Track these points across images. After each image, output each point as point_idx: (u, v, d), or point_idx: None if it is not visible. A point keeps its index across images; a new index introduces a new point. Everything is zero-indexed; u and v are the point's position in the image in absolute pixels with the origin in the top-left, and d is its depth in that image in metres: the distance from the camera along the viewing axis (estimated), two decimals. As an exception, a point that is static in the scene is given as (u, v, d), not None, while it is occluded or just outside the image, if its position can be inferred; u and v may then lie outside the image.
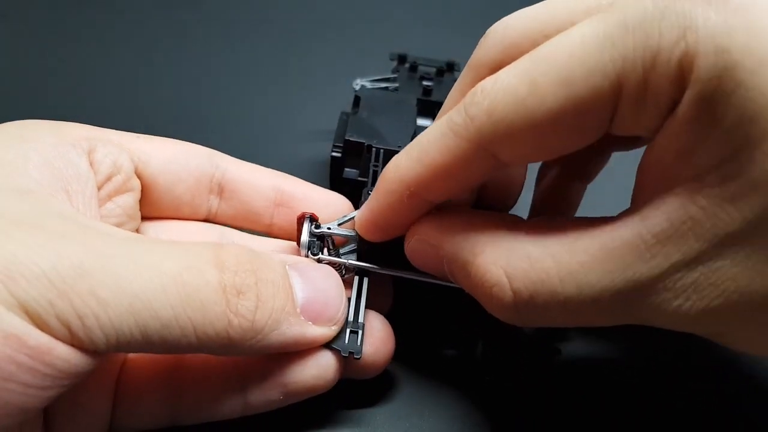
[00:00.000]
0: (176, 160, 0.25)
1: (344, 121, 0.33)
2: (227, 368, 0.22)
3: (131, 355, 0.22)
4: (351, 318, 0.23)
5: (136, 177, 0.24)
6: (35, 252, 0.16)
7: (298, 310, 0.20)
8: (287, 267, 0.21)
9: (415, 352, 0.27)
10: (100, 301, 0.16)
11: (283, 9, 0.60)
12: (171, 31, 0.54)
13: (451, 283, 0.23)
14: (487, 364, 0.25)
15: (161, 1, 0.58)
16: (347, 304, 0.22)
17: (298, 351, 0.21)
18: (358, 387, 0.25)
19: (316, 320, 0.21)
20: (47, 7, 0.54)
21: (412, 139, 0.32)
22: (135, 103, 0.45)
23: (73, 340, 0.16)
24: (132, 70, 0.49)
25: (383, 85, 0.39)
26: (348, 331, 0.22)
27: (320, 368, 0.22)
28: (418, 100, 0.37)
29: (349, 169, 0.31)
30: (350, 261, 0.24)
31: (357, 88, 0.38)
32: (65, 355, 0.16)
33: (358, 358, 0.22)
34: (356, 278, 0.24)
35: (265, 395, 0.22)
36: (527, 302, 0.19)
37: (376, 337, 0.23)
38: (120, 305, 0.16)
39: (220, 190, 0.26)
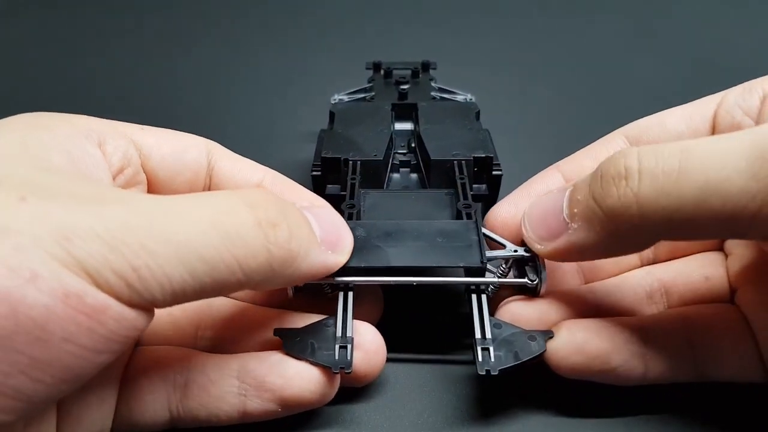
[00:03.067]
0: (175, 153, 0.25)
1: (321, 138, 0.34)
2: (229, 372, 0.23)
3: (137, 352, 0.23)
4: (339, 333, 0.23)
5: (143, 171, 0.24)
6: (82, 214, 0.16)
7: (319, 240, 0.22)
8: (299, 207, 0.23)
9: (408, 354, 0.27)
10: (151, 253, 0.17)
11: (285, 12, 0.61)
12: (170, 34, 0.56)
13: (442, 281, 0.23)
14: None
15: (158, 4, 0.59)
16: (351, 237, 0.24)
17: (295, 368, 0.22)
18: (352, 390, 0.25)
19: (333, 249, 0.23)
20: (51, 6, 0.56)
21: (389, 144, 0.32)
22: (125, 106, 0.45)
23: (131, 294, 0.17)
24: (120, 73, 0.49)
25: (360, 96, 0.39)
26: (337, 346, 0.23)
27: (315, 382, 0.22)
28: (394, 105, 0.37)
29: (331, 186, 0.32)
30: (337, 278, 0.24)
31: (334, 102, 0.39)
32: (120, 314, 0.17)
33: (349, 373, 0.22)
34: (341, 293, 0.24)
35: (263, 405, 0.22)
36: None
37: (367, 349, 0.23)
38: (168, 254, 0.17)
39: (210, 184, 0.27)
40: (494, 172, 0.31)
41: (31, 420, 0.19)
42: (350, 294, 0.24)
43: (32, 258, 0.15)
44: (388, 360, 0.24)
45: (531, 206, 0.24)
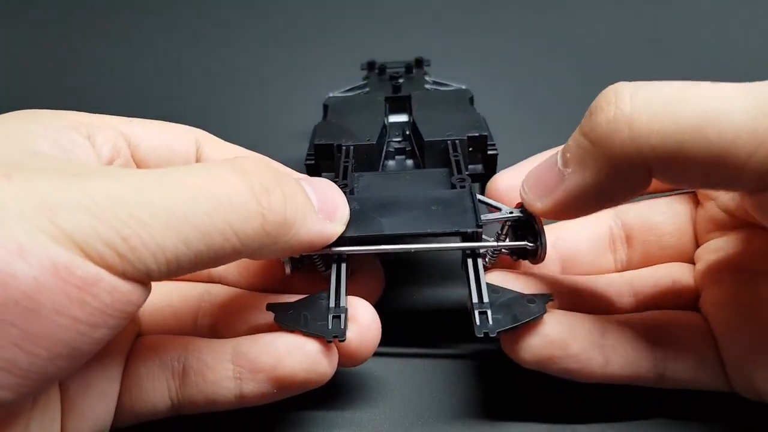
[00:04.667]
0: (164, 142, 0.25)
1: (315, 130, 0.34)
2: (224, 356, 0.22)
3: (137, 342, 0.23)
4: (333, 303, 0.23)
5: (133, 162, 0.24)
6: (68, 187, 0.16)
7: (316, 208, 0.22)
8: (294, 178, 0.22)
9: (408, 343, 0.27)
10: (140, 221, 0.16)
11: (280, 11, 0.62)
12: (165, 33, 0.57)
13: (437, 247, 0.23)
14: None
15: (154, 2, 0.60)
16: (347, 207, 0.24)
17: (287, 345, 0.22)
18: (355, 387, 0.25)
19: (330, 219, 0.22)
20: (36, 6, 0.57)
21: (382, 132, 0.32)
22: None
23: (123, 265, 0.16)
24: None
25: (355, 93, 0.40)
26: (330, 316, 0.22)
27: (309, 357, 0.22)
28: (388, 97, 0.37)
29: (326, 173, 0.32)
30: (334, 249, 0.24)
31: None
32: (113, 286, 0.16)
33: (343, 341, 0.21)
34: (334, 264, 0.24)
35: (258, 387, 0.22)
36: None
37: (361, 323, 0.23)
38: (159, 222, 0.17)
39: None
40: (489, 152, 0.31)
41: (35, 411, 0.19)
42: (343, 265, 0.24)
43: (18, 232, 0.15)
44: (388, 356, 0.24)
45: (529, 171, 0.24)
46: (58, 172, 0.17)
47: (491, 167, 0.31)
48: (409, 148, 0.33)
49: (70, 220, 0.16)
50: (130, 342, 0.24)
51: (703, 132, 0.17)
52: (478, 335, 0.21)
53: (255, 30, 0.60)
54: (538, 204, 0.22)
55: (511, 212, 0.25)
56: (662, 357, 0.23)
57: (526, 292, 0.23)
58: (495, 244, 0.24)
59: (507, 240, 0.25)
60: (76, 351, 0.17)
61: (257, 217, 0.19)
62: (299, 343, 0.22)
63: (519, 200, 0.25)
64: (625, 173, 0.19)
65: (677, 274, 0.26)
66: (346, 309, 0.22)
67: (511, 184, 0.26)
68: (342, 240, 0.24)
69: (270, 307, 0.23)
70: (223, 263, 0.19)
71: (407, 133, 0.34)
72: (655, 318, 0.24)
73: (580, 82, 0.53)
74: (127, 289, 0.17)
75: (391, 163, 0.33)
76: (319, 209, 0.22)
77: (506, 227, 0.25)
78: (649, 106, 0.18)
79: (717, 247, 0.26)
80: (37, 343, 0.16)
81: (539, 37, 0.62)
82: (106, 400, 0.22)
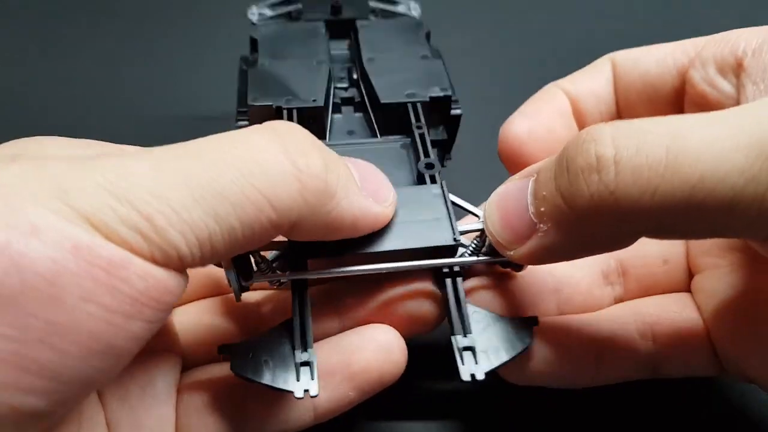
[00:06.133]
0: None
1: (244, 73, 0.28)
2: None
3: (189, 372, 0.22)
4: (298, 344, 0.20)
5: None
6: (79, 167, 0.14)
7: (359, 185, 0.19)
8: None
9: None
10: (161, 197, 0.14)
11: None
12: None
13: (409, 266, 0.21)
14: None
15: None
16: (393, 190, 0.21)
17: (357, 331, 0.21)
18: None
19: (374, 198, 0.20)
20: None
21: (328, 82, 0.27)
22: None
23: (151, 247, 0.14)
24: None
25: (284, 9, 0.33)
26: (294, 365, 0.19)
27: (380, 345, 0.20)
28: (327, 22, 0.31)
29: None
30: (291, 276, 0.21)
31: (254, 19, 0.32)
32: (145, 270, 0.14)
33: (316, 396, 0.19)
34: (294, 293, 0.21)
35: (334, 394, 0.20)
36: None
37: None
38: (182, 196, 0.15)
39: None
40: (453, 111, 0.27)
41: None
42: (306, 295, 0.21)
43: (30, 212, 0.13)
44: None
45: (491, 203, 0.20)
46: (67, 156, 0.15)
47: (453, 129, 0.27)
48: (359, 99, 0.28)
49: (84, 200, 0.14)
50: (175, 371, 0.21)
51: (700, 203, 0.15)
52: (464, 379, 0.19)
53: None
54: (509, 252, 0.20)
55: None
56: (656, 354, 0.23)
57: (508, 306, 0.22)
58: (474, 259, 0.22)
59: (485, 248, 0.22)
60: (111, 348, 0.14)
61: (293, 181, 0.16)
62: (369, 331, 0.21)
63: (543, 147, 0.23)
64: (609, 238, 0.17)
65: (668, 249, 0.25)
66: (314, 354, 0.20)
67: (531, 131, 0.23)
68: (299, 263, 0.20)
69: (223, 349, 0.20)
70: (261, 243, 0.17)
71: (354, 77, 0.29)
72: (647, 313, 0.23)
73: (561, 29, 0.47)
74: (162, 274, 0.15)
75: (338, 117, 0.28)
76: (362, 187, 0.19)
77: (485, 235, 0.22)
78: (636, 177, 0.15)
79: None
80: (64, 337, 0.13)
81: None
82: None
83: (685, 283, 0.24)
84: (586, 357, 0.22)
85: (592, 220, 0.17)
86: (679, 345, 0.22)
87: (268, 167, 0.16)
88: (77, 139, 0.18)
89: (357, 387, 0.20)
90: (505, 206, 0.19)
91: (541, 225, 0.18)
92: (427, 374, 0.26)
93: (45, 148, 0.17)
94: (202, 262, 0.16)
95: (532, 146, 0.23)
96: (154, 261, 0.15)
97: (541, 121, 0.23)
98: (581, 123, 0.24)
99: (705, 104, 0.21)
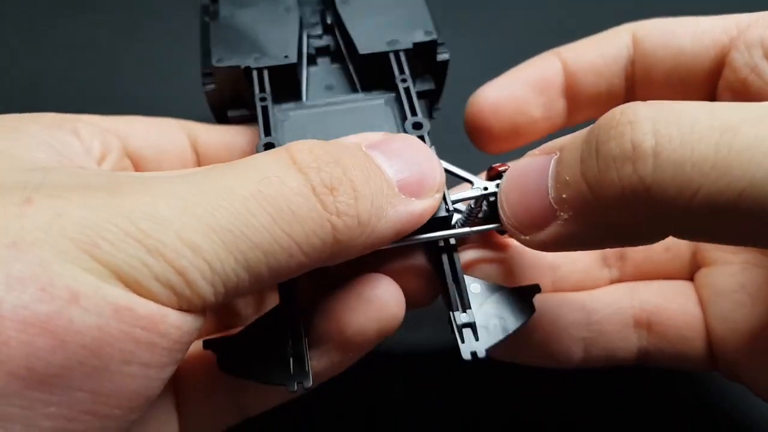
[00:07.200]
0: (154, 136, 0.23)
1: (206, 26, 0.25)
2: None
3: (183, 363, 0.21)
4: (288, 336, 0.19)
5: (126, 157, 0.22)
6: (103, 210, 0.13)
7: (396, 188, 0.18)
8: (365, 149, 0.18)
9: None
10: (194, 248, 0.14)
11: None
12: None
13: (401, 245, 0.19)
14: None
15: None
16: (441, 167, 0.19)
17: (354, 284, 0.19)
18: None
19: (418, 194, 0.18)
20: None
21: (299, 32, 0.24)
22: None
23: (180, 301, 0.14)
24: None
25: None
26: (286, 358, 0.18)
27: (374, 304, 0.19)
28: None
29: (233, 111, 0.24)
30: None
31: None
32: (177, 321, 0.14)
33: (310, 387, 0.18)
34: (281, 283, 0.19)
35: (329, 362, 0.19)
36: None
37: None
38: (214, 245, 0.14)
39: (199, 160, 0.24)
40: (440, 57, 0.25)
41: None
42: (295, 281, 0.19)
43: (63, 273, 0.12)
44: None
45: (508, 180, 0.19)
46: (82, 188, 0.14)
47: (441, 76, 0.25)
48: (335, 48, 0.26)
49: (115, 255, 0.13)
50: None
51: (746, 209, 0.13)
52: (465, 358, 0.18)
53: None
54: (524, 237, 0.18)
55: (486, 188, 0.20)
56: (649, 344, 0.22)
57: (502, 279, 0.21)
58: (468, 230, 0.20)
59: (480, 214, 0.21)
60: (148, 399, 0.14)
61: (324, 226, 0.16)
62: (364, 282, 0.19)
63: (509, 121, 0.22)
64: (634, 233, 0.16)
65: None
66: (306, 341, 0.19)
67: (498, 102, 0.22)
68: None
69: (208, 344, 0.19)
70: (285, 279, 0.16)
71: (328, 22, 0.26)
72: (646, 300, 0.22)
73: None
74: (190, 321, 0.14)
75: (313, 70, 0.25)
76: (400, 187, 0.18)
77: (480, 202, 0.21)
78: (678, 173, 0.13)
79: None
80: (110, 404, 0.13)
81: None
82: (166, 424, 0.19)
83: (687, 273, 0.23)
84: (576, 338, 0.22)
85: (620, 214, 0.15)
86: (675, 339, 0.22)
87: (297, 212, 0.15)
88: (70, 139, 0.18)
89: (352, 350, 0.19)
90: (523, 186, 0.18)
91: (562, 213, 0.16)
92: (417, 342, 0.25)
93: (50, 173, 0.15)
94: (225, 303, 0.15)
95: (493, 119, 0.22)
96: (181, 309, 0.14)
97: (512, 93, 0.22)
98: (573, 101, 0.22)
99: (744, 92, 0.19)
